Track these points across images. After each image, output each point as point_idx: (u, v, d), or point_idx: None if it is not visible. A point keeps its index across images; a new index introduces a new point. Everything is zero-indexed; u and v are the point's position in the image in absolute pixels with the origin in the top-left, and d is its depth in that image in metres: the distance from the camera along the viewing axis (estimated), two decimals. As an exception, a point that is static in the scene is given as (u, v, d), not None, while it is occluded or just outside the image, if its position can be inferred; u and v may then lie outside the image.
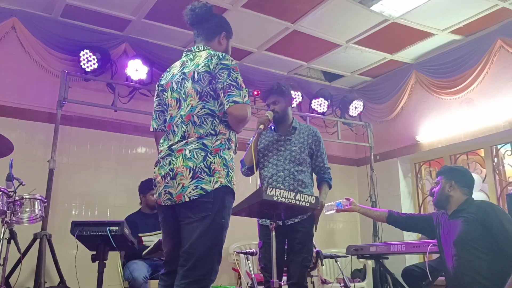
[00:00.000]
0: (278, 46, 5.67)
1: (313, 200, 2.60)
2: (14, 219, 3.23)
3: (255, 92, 5.82)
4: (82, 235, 3.35)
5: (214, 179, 2.09)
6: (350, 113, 6.44)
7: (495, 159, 5.48)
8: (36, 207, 3.37)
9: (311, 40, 5.51)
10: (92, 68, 4.96)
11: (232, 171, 2.19)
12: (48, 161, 4.42)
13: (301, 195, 2.55)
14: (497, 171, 5.46)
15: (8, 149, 3.12)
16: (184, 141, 2.16)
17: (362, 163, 6.74)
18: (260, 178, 3.31)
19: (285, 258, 3.19)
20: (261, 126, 3.12)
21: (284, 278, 3.25)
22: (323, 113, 6.35)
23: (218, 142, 2.16)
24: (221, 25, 2.44)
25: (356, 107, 6.41)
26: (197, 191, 2.07)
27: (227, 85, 2.14)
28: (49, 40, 4.96)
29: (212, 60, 2.22)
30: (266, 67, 6.30)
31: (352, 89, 7.01)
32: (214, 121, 2.18)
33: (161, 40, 5.56)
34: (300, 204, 2.54)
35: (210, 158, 2.11)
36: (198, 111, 2.18)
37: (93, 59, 4.94)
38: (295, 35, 5.40)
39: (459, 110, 5.60)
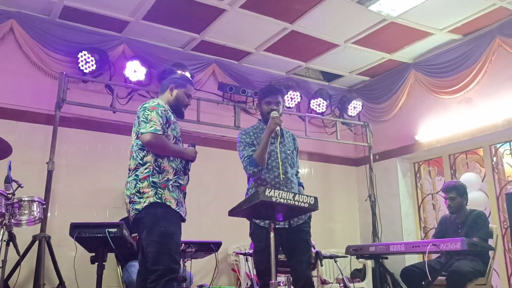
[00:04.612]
0: (277, 46, 5.67)
1: (311, 200, 2.60)
2: (13, 221, 3.22)
3: (254, 93, 5.81)
4: (81, 237, 3.35)
5: (143, 200, 2.72)
6: (349, 113, 6.44)
7: (494, 158, 5.48)
8: (35, 209, 3.37)
9: (310, 40, 5.51)
10: (90, 69, 4.96)
11: (163, 189, 2.74)
12: (46, 163, 4.42)
13: (300, 195, 2.55)
14: (496, 170, 5.45)
15: (6, 151, 3.11)
16: (128, 175, 2.87)
17: (361, 163, 6.74)
18: (258, 181, 3.18)
19: (287, 260, 3.16)
20: (278, 128, 3.11)
21: (282, 279, 3.23)
22: (322, 113, 6.35)
23: (146, 170, 2.78)
24: (170, 80, 3.09)
25: (354, 107, 6.41)
26: (133, 212, 2.75)
27: (139, 122, 2.83)
28: (47, 42, 4.96)
29: (140, 108, 2.92)
30: (265, 68, 6.30)
31: (350, 89, 7.01)
32: (144, 153, 2.82)
33: (159, 41, 5.56)
34: (299, 204, 2.54)
35: (139, 184, 2.76)
36: (134, 147, 2.89)
37: (91, 60, 4.94)
38: (293, 36, 5.40)
39: (458, 110, 5.60)
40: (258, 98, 3.42)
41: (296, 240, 3.12)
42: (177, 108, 3.05)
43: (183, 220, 2.88)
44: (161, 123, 2.80)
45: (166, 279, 2.60)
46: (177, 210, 2.77)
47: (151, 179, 2.75)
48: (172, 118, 2.95)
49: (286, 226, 3.09)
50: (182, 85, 3.07)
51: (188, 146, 3.01)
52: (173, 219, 2.74)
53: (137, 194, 2.74)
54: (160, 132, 2.77)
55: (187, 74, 5.34)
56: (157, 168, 2.78)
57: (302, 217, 3.14)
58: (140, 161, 2.81)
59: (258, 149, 3.13)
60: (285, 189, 3.08)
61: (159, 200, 2.71)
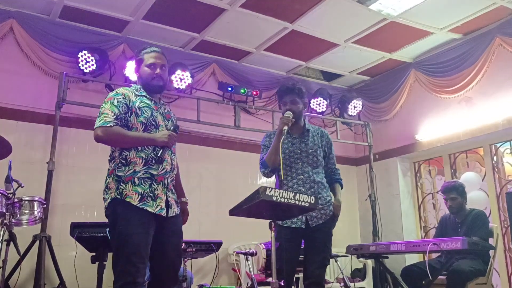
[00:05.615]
0: (277, 46, 5.67)
1: (312, 200, 2.59)
2: (13, 221, 3.22)
3: (254, 92, 5.81)
4: (82, 236, 3.36)
5: (108, 196, 2.54)
6: (349, 113, 6.44)
7: (494, 158, 5.48)
8: (35, 208, 3.37)
9: (310, 40, 5.51)
10: (90, 69, 4.95)
11: (126, 183, 2.51)
12: (47, 163, 4.42)
13: (300, 195, 2.55)
14: (496, 170, 5.45)
15: (6, 151, 3.11)
16: None
17: (361, 163, 6.74)
18: (278, 181, 3.23)
19: (303, 258, 3.17)
20: (285, 128, 3.08)
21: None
22: (322, 113, 6.35)
23: (113, 165, 2.58)
24: (136, 60, 2.83)
25: (355, 107, 6.41)
26: (105, 209, 2.58)
27: None
28: (47, 42, 4.96)
29: None
30: (265, 67, 6.30)
31: (350, 89, 7.01)
32: (112, 148, 2.63)
33: (159, 41, 5.55)
34: (300, 204, 2.53)
35: (107, 179, 2.58)
36: None
37: (92, 60, 4.93)
38: (293, 35, 5.40)
39: (458, 109, 5.60)
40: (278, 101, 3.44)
41: (312, 240, 3.12)
42: (148, 85, 2.72)
43: (160, 215, 2.53)
44: (115, 114, 2.53)
45: (120, 283, 2.37)
46: (140, 207, 2.47)
47: (116, 173, 2.53)
48: (138, 103, 2.62)
49: (303, 226, 3.08)
50: (140, 61, 2.76)
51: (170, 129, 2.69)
52: (134, 217, 2.45)
53: (105, 189, 2.57)
54: (110, 125, 2.49)
55: (187, 73, 5.33)
56: (123, 161, 2.55)
57: (322, 217, 3.13)
58: (109, 157, 2.64)
59: (268, 151, 3.16)
60: (303, 189, 3.12)
61: (119, 196, 2.48)
